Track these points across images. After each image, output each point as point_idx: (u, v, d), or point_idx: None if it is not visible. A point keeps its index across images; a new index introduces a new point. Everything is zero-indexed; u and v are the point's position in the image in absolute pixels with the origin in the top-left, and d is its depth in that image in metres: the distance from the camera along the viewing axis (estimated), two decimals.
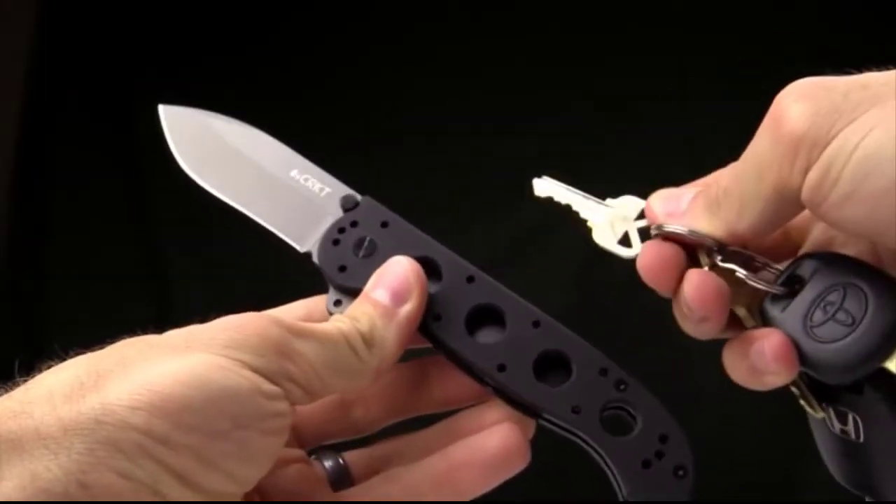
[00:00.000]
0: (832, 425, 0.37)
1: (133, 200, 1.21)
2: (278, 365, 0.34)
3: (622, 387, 0.37)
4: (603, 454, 0.37)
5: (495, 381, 0.37)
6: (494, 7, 1.24)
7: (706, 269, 0.39)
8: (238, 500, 0.34)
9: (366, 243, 0.40)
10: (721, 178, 0.39)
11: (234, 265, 1.13)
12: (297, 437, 0.40)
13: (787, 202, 0.36)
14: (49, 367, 0.33)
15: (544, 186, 0.51)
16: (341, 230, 0.40)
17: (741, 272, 0.38)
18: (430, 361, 0.41)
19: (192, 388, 0.31)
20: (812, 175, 0.34)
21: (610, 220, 0.48)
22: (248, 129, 0.43)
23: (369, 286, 0.39)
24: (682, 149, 1.16)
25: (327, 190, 0.41)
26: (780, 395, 1.20)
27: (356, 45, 1.26)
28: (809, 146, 0.34)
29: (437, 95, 1.21)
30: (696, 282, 0.38)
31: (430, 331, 0.39)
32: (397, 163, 1.18)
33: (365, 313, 0.38)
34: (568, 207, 0.50)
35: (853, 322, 0.34)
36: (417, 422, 0.42)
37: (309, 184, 0.41)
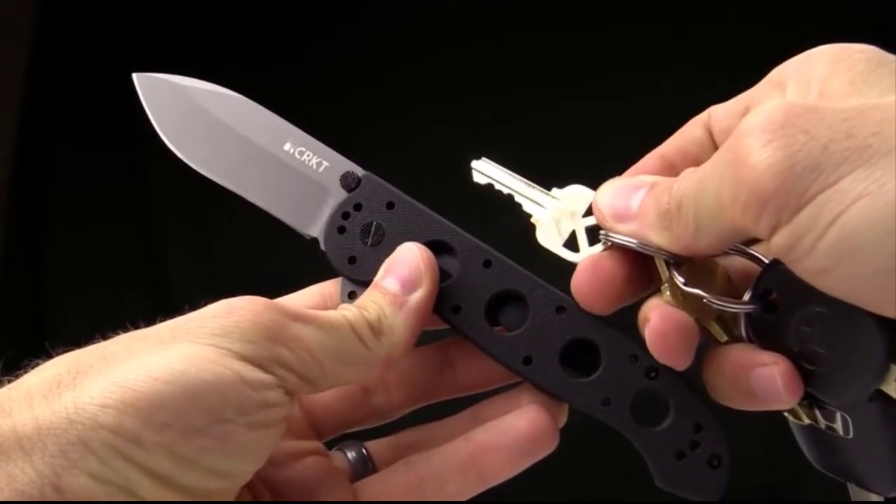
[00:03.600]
0: (817, 422, 0.36)
1: (132, 198, 1.21)
2: (270, 351, 0.32)
3: (653, 374, 0.35)
4: (636, 444, 0.36)
5: (521, 373, 0.36)
6: (494, 5, 1.24)
7: (664, 299, 0.36)
8: (232, 495, 0.32)
9: (373, 229, 0.38)
10: (675, 188, 0.34)
11: (234, 263, 1.13)
12: (316, 426, 0.39)
13: (750, 238, 0.33)
14: (35, 367, 0.33)
15: (484, 170, 0.46)
16: (345, 215, 0.38)
17: (708, 298, 0.35)
18: (453, 343, 0.39)
19: (167, 383, 0.30)
20: (781, 236, 0.30)
21: (555, 217, 0.43)
22: (233, 96, 0.39)
23: (379, 275, 0.38)
24: None
25: (325, 164, 0.38)
26: None
27: (353, 43, 1.26)
28: (779, 206, 0.29)
29: (435, 94, 1.21)
30: (658, 325, 0.35)
31: (451, 321, 0.37)
32: (395, 162, 1.17)
33: (373, 302, 0.37)
34: (510, 198, 0.47)
35: (849, 342, 0.32)
36: (441, 409, 0.40)
37: (304, 158, 0.38)
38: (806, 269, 0.29)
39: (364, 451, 0.39)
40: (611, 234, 0.37)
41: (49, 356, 0.33)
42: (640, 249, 0.36)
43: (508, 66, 1.22)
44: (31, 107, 1.24)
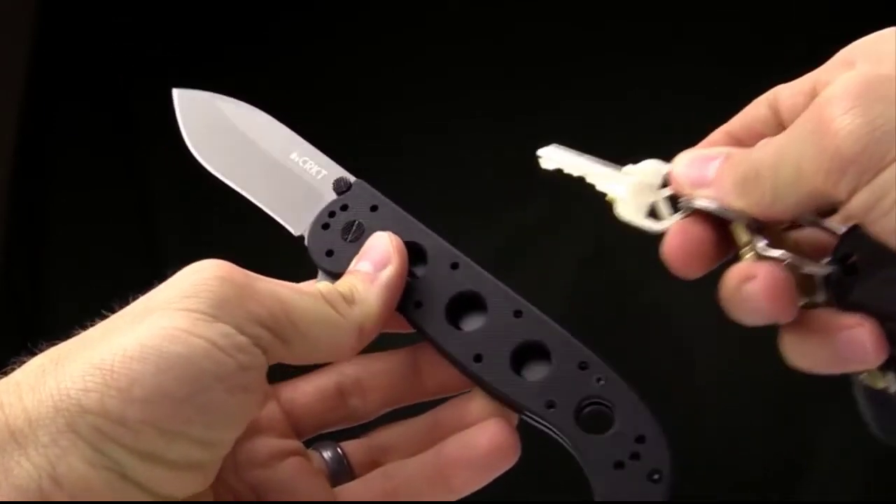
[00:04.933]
0: (890, 387, 0.35)
1: (132, 198, 1.21)
2: (240, 307, 0.33)
3: (601, 381, 0.35)
4: (576, 452, 0.35)
5: (471, 372, 0.37)
6: (495, 9, 1.24)
7: (753, 257, 0.36)
8: (216, 467, 0.33)
9: (354, 227, 0.40)
10: (752, 157, 0.35)
11: (233, 263, 1.13)
12: (295, 427, 0.39)
13: (828, 204, 0.33)
14: (24, 362, 0.33)
15: (553, 156, 0.49)
16: (332, 214, 0.40)
17: (791, 259, 0.35)
18: (420, 349, 0.40)
19: (141, 361, 0.30)
20: (861, 197, 0.31)
21: (633, 191, 0.45)
22: (253, 111, 0.44)
23: (353, 263, 0.39)
24: (681, 148, 1.16)
25: (324, 173, 0.41)
26: (781, 395, 1.20)
27: (353, 42, 1.26)
28: (860, 169, 0.30)
29: (436, 93, 1.21)
30: (766, 283, 0.35)
31: (412, 318, 0.38)
32: (396, 162, 1.17)
33: (345, 280, 0.38)
34: (581, 180, 0.48)
35: None
36: (414, 409, 0.41)
37: (307, 167, 0.41)
38: (885, 229, 0.31)
39: (340, 450, 0.39)
40: (692, 201, 0.38)
41: (34, 353, 0.33)
42: (721, 214, 0.37)
43: (508, 66, 1.22)
44: (31, 107, 1.24)
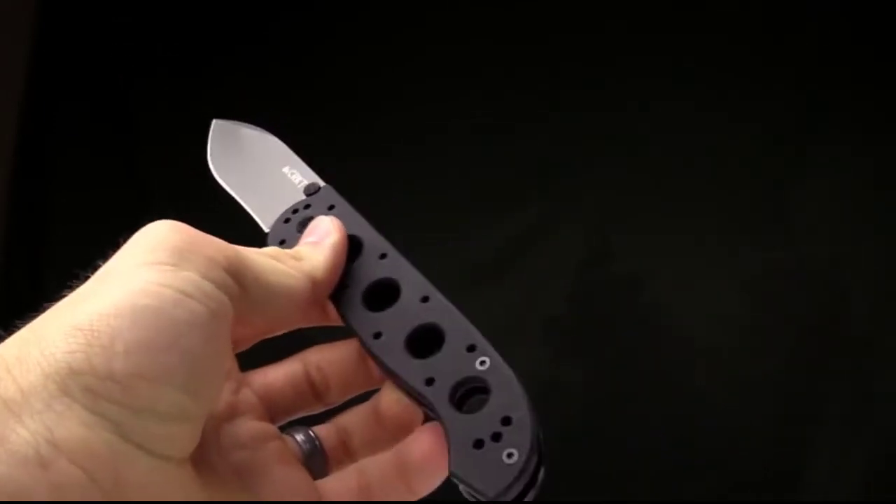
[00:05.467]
0: None
1: (132, 198, 1.21)
2: (202, 255, 0.34)
3: (483, 364, 0.35)
4: (446, 429, 0.35)
5: (369, 349, 0.38)
6: (495, 8, 1.24)
7: None
8: (202, 419, 0.33)
9: (309, 222, 0.42)
10: None
11: None
12: (269, 412, 0.40)
13: None
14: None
15: None
16: (295, 211, 0.43)
17: None
18: None
19: (118, 316, 0.31)
20: None
21: None
22: (265, 135, 0.47)
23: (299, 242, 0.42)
24: (680, 148, 1.16)
25: (305, 181, 0.45)
26: (781, 395, 1.20)
27: (353, 42, 1.26)
28: None
29: (436, 96, 1.21)
30: None
31: (336, 300, 0.40)
32: (397, 164, 1.18)
33: (293, 248, 0.41)
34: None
35: None
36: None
37: (293, 177, 0.45)
38: None
39: (312, 433, 0.41)
40: None
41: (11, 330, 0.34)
42: None
43: (508, 67, 1.22)
44: (31, 107, 1.24)
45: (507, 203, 1.16)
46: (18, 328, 0.34)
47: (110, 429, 0.30)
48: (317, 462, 0.40)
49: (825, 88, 1.16)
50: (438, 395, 0.35)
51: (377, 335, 0.37)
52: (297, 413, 0.41)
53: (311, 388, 0.41)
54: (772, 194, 1.15)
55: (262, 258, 0.38)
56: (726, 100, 1.16)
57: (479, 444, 0.34)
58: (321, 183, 0.44)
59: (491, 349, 0.36)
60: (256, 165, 0.46)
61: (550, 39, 1.22)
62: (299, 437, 0.40)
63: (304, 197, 0.43)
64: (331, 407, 0.42)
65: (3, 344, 0.33)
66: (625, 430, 1.06)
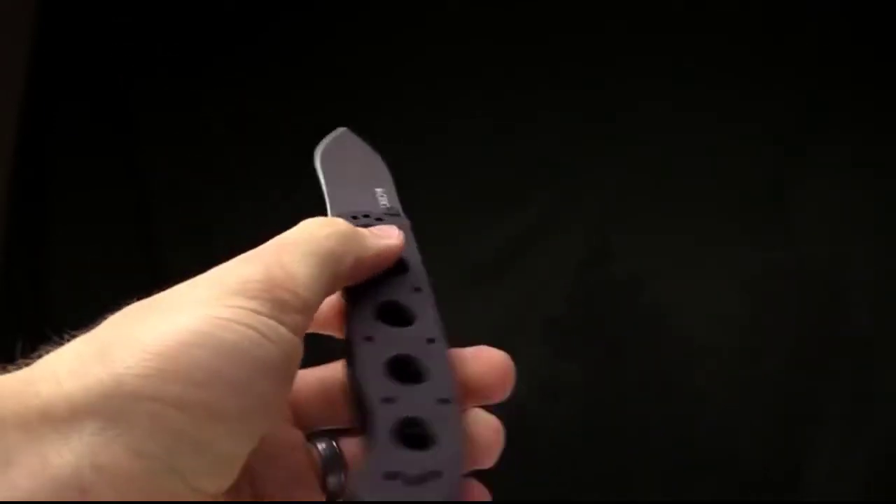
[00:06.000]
0: None
1: (132, 198, 1.21)
2: (282, 301, 0.33)
3: (443, 420, 0.34)
4: (367, 451, 0.33)
5: (353, 344, 0.37)
6: (495, 8, 1.24)
7: None
8: (245, 458, 0.32)
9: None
10: None
11: None
12: (298, 419, 0.39)
13: None
14: (48, 352, 0.32)
15: None
16: (366, 216, 0.43)
17: None
18: None
19: (197, 346, 0.30)
20: None
21: None
22: (376, 156, 0.50)
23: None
24: (680, 148, 1.16)
25: (388, 205, 0.45)
26: (781, 395, 1.20)
27: (354, 43, 1.26)
28: None
29: (436, 96, 1.21)
30: None
31: (353, 302, 0.39)
32: (396, 164, 1.17)
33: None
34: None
35: None
36: None
37: (381, 198, 0.46)
38: None
39: (335, 443, 0.39)
40: None
41: (58, 343, 0.32)
42: None
43: (509, 68, 1.22)
44: (31, 107, 1.24)
45: (507, 203, 1.16)
46: (58, 337, 0.32)
47: (160, 458, 0.29)
48: (335, 473, 0.38)
49: (825, 88, 1.16)
50: (385, 418, 0.33)
51: (369, 338, 0.36)
52: (323, 424, 0.40)
53: (341, 400, 0.39)
54: (772, 194, 1.15)
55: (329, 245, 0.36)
56: (726, 100, 1.16)
57: (392, 476, 0.32)
58: (401, 213, 0.44)
59: (456, 415, 0.35)
60: (357, 172, 0.47)
61: (550, 39, 1.22)
62: (321, 445, 0.39)
63: (381, 212, 0.44)
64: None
65: (55, 356, 0.31)
66: (625, 429, 1.06)
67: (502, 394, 0.37)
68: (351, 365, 0.36)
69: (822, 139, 1.15)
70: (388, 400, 0.34)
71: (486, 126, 1.20)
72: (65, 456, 0.28)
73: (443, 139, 1.19)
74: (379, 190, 0.46)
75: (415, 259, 0.41)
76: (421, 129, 1.20)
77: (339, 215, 0.42)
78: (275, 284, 0.33)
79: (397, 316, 0.38)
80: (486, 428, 0.36)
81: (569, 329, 1.11)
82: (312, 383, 0.39)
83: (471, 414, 0.36)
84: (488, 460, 0.36)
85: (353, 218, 0.42)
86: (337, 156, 0.47)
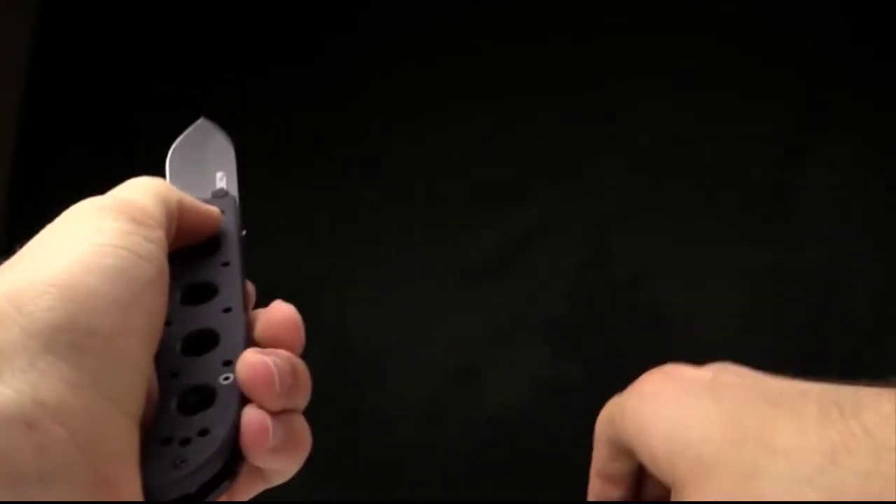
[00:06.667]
0: None
1: None
2: (136, 224, 0.36)
3: (226, 379, 0.36)
4: (156, 421, 0.35)
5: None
6: (495, 8, 1.24)
7: None
8: (149, 370, 0.34)
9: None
10: None
11: None
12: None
13: None
14: None
15: None
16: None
17: None
18: None
19: (91, 274, 0.32)
20: None
21: None
22: (222, 137, 0.52)
23: None
24: (679, 148, 1.16)
25: (222, 186, 0.48)
26: None
27: (356, 47, 1.26)
28: None
29: (437, 96, 1.21)
30: None
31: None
32: (397, 164, 1.18)
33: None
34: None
35: None
36: None
37: (218, 180, 0.49)
38: None
39: None
40: None
41: None
42: None
43: (509, 69, 1.22)
44: (31, 107, 1.24)
45: (507, 203, 1.16)
46: None
47: (90, 385, 0.30)
48: None
49: (825, 88, 1.16)
50: (170, 391, 0.36)
51: (168, 323, 0.38)
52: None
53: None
54: (772, 194, 1.15)
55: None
56: (726, 100, 1.16)
57: (167, 441, 0.34)
58: (231, 192, 0.47)
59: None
60: (199, 163, 0.50)
61: (550, 39, 1.22)
62: None
63: (211, 193, 0.47)
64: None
65: None
66: None
67: (297, 342, 0.38)
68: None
69: (822, 139, 1.15)
70: (173, 375, 0.36)
71: (486, 126, 1.20)
72: (4, 393, 0.29)
73: (443, 139, 1.19)
74: (219, 174, 0.49)
75: (231, 235, 0.43)
76: (421, 129, 1.20)
77: None
78: (127, 206, 0.37)
79: (205, 292, 0.40)
80: (256, 360, 0.36)
81: (569, 329, 1.11)
82: None
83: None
84: (267, 390, 0.36)
85: None
86: (188, 146, 0.52)
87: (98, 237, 0.34)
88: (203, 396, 0.35)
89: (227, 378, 0.36)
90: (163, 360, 0.36)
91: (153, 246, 0.35)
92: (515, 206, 1.16)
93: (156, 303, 0.34)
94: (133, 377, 0.32)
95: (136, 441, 0.32)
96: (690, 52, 1.19)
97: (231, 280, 0.40)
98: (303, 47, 1.26)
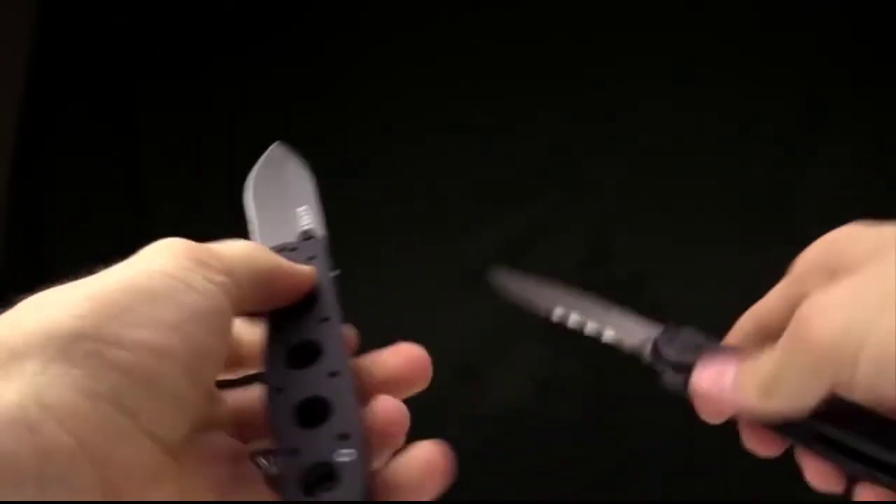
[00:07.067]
0: None
1: (132, 198, 1.21)
2: (200, 264, 0.35)
3: (344, 456, 0.36)
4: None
5: (268, 398, 0.38)
6: (495, 8, 1.24)
7: None
8: (197, 408, 0.33)
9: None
10: (762, 370, 0.42)
11: None
12: (242, 432, 0.38)
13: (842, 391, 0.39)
14: None
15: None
16: (280, 251, 0.43)
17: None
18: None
19: (132, 290, 0.32)
20: (860, 385, 0.37)
21: None
22: (302, 170, 0.49)
23: None
24: (680, 148, 1.16)
25: (308, 227, 0.46)
26: None
27: (356, 47, 1.26)
28: (838, 369, 0.37)
29: (437, 96, 1.21)
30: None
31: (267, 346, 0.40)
32: (397, 164, 1.17)
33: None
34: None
35: None
36: None
37: (301, 219, 0.46)
38: (882, 398, 0.38)
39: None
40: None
41: None
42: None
43: (509, 69, 1.22)
44: (31, 107, 1.24)
45: (507, 203, 1.16)
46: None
47: (107, 398, 0.29)
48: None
49: (825, 88, 1.16)
50: (292, 471, 0.35)
51: (279, 389, 0.37)
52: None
53: None
54: (772, 194, 1.15)
55: (264, 255, 0.39)
56: (726, 100, 1.16)
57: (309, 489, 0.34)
58: (317, 228, 0.45)
59: (359, 441, 0.36)
60: (280, 196, 0.48)
61: (550, 39, 1.22)
62: (265, 461, 0.38)
63: (298, 238, 0.45)
64: None
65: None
66: (625, 429, 1.06)
67: (423, 382, 0.39)
68: (267, 416, 0.37)
69: (822, 139, 1.15)
70: (294, 451, 0.35)
71: (487, 126, 1.20)
72: (8, 395, 0.28)
73: (443, 139, 1.19)
74: (301, 208, 0.47)
75: (327, 287, 0.42)
76: (421, 129, 1.20)
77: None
78: (199, 251, 0.35)
79: (308, 352, 0.39)
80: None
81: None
82: (255, 396, 0.39)
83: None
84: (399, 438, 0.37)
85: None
86: (265, 179, 0.49)
87: (152, 266, 0.34)
88: (323, 473, 0.35)
89: (347, 455, 0.35)
90: (283, 435, 0.36)
91: (213, 286, 0.34)
92: (515, 206, 1.16)
93: (203, 338, 0.33)
94: (162, 401, 0.31)
95: (160, 465, 0.31)
96: (690, 52, 1.19)
97: (333, 337, 0.40)
98: (303, 47, 1.26)
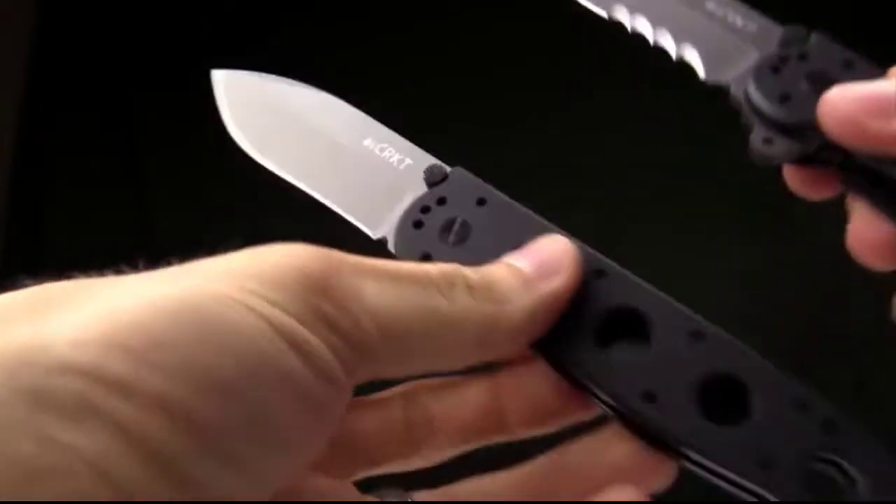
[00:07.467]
0: None
1: (132, 198, 1.21)
2: (310, 305, 0.21)
3: (830, 428, 0.26)
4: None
5: (640, 415, 0.26)
6: (495, 8, 1.24)
7: None
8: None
9: (456, 226, 0.30)
10: None
11: None
12: (344, 460, 0.28)
13: None
14: None
15: None
16: (425, 209, 0.31)
17: None
18: (501, 378, 0.29)
19: (172, 312, 0.20)
20: None
21: None
22: (314, 92, 0.34)
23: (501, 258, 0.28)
24: (680, 147, 1.16)
25: (408, 161, 0.32)
26: None
27: (354, 45, 1.26)
28: None
29: (436, 96, 1.21)
30: None
31: (548, 341, 0.28)
32: None
33: (481, 269, 0.27)
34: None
35: None
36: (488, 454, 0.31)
37: (385, 154, 0.32)
38: None
39: (410, 502, 0.28)
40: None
41: None
42: None
43: (509, 70, 1.22)
44: (31, 107, 1.24)
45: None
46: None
47: (90, 458, 0.18)
48: None
49: None
50: (786, 483, 0.25)
51: (649, 396, 0.26)
52: (380, 466, 0.29)
53: (409, 435, 0.28)
54: (772, 192, 1.15)
55: (414, 294, 0.24)
56: (727, 98, 1.16)
57: None
58: (445, 166, 0.31)
59: (826, 403, 0.26)
60: (318, 138, 0.32)
61: (550, 39, 1.22)
62: (390, 497, 0.28)
63: (424, 187, 0.31)
64: (428, 465, 0.30)
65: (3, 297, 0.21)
66: None
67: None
68: (657, 436, 0.27)
69: None
70: (764, 463, 0.26)
71: (487, 126, 1.20)
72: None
73: (443, 139, 1.19)
74: (368, 142, 0.34)
75: (540, 231, 0.29)
76: (421, 129, 1.20)
77: (399, 238, 0.30)
78: (320, 287, 0.22)
79: (625, 322, 0.29)
80: None
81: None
82: (368, 416, 0.28)
83: None
84: None
85: (417, 227, 0.31)
86: (265, 130, 0.34)
87: (231, 290, 0.21)
88: (824, 464, 0.26)
89: (830, 427, 0.26)
90: (699, 435, 0.26)
91: (332, 358, 0.21)
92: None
93: (296, 418, 0.20)
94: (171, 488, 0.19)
95: None
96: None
97: (649, 293, 0.30)
98: (303, 47, 1.26)
